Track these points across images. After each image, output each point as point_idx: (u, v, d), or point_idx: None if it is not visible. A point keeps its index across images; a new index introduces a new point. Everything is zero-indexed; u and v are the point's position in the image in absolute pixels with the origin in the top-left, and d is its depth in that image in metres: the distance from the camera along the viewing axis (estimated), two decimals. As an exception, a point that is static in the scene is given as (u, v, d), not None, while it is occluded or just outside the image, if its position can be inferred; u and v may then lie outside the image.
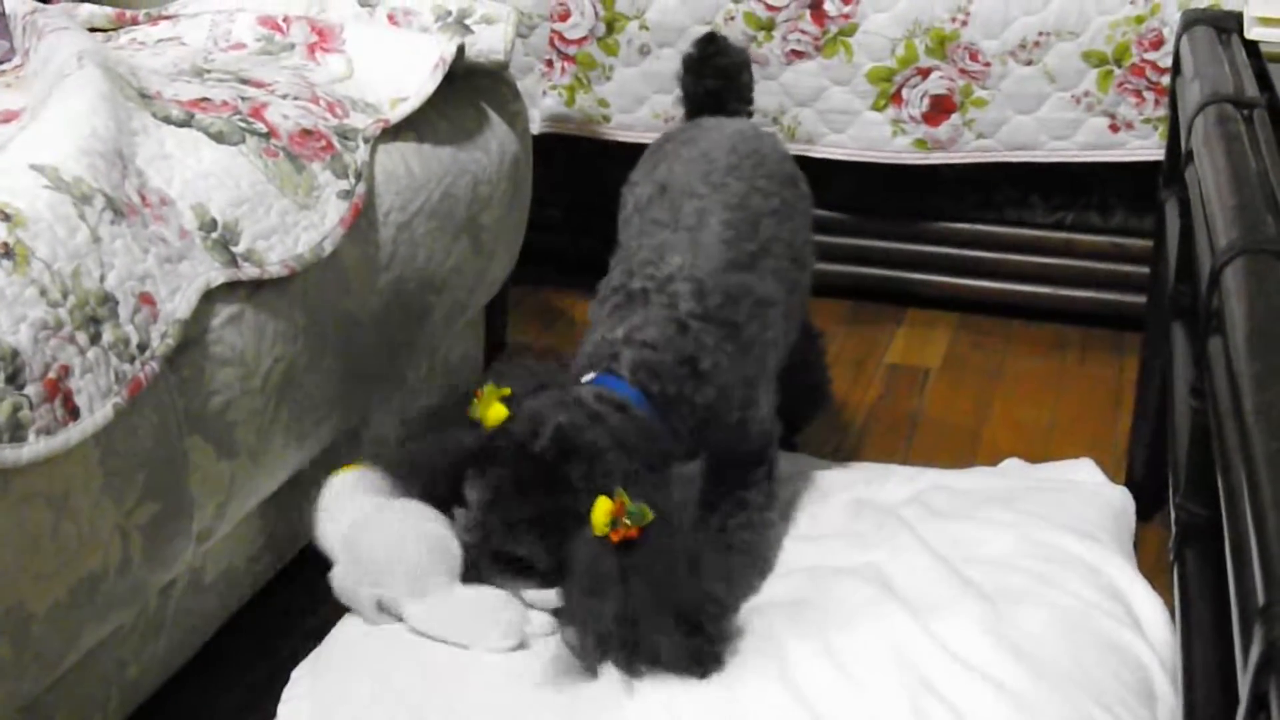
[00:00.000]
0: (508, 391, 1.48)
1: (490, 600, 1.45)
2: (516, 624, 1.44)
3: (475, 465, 1.43)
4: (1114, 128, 2.47)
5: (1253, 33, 1.82)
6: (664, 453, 1.48)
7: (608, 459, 1.42)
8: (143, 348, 1.35)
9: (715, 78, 1.93)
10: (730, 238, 1.64)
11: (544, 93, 2.69)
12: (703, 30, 2.55)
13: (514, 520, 1.41)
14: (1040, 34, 2.44)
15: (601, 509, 1.37)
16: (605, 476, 1.40)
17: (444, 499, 1.48)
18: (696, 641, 1.41)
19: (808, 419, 2.09)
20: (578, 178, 2.79)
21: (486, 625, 1.44)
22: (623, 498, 1.37)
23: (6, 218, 1.29)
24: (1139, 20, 2.40)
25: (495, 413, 1.45)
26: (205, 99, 1.65)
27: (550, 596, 1.45)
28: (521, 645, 1.44)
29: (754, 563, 1.64)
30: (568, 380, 1.53)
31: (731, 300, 1.59)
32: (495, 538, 1.43)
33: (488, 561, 1.45)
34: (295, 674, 1.51)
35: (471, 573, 1.46)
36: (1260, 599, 0.78)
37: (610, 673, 1.45)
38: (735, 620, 1.48)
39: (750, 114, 1.97)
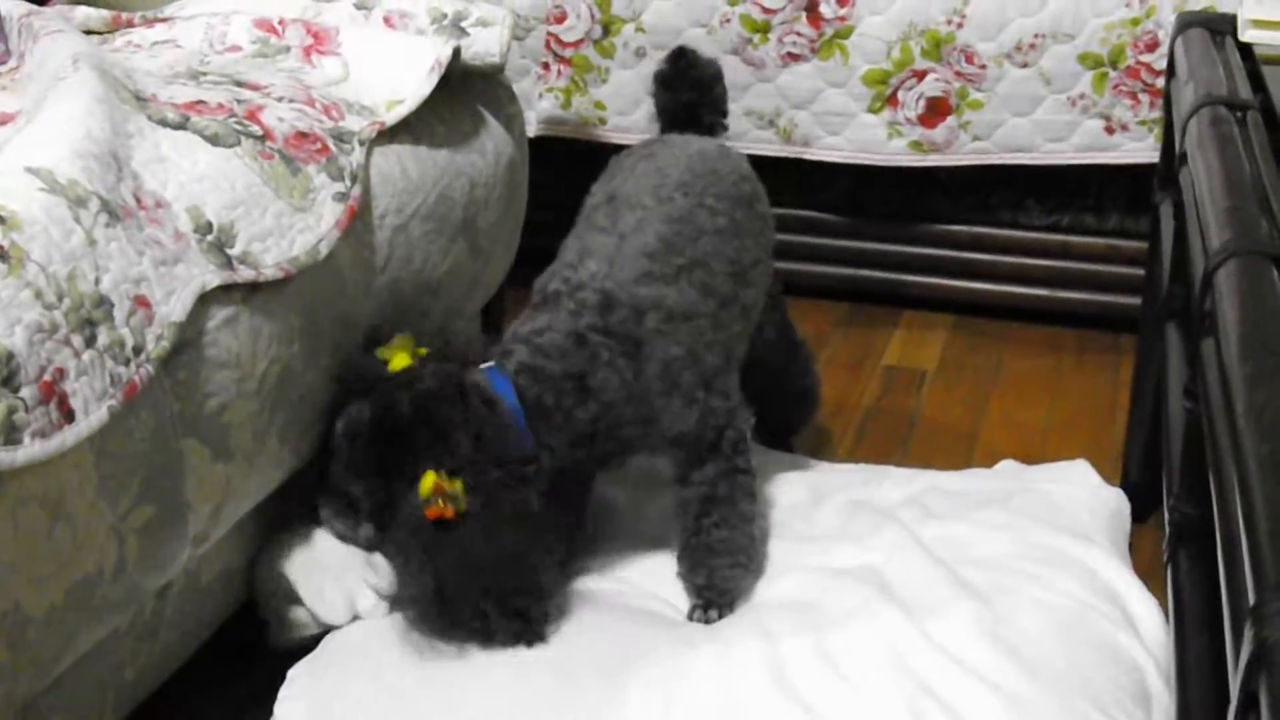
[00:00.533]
0: (422, 351, 1.61)
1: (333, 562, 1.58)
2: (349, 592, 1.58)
3: (353, 399, 1.57)
4: (1109, 130, 2.47)
5: (1247, 35, 1.83)
6: (521, 456, 1.54)
7: (454, 439, 1.50)
8: (138, 350, 1.35)
9: (688, 91, 1.93)
10: (657, 250, 1.65)
11: (540, 95, 2.69)
12: (699, 32, 2.57)
13: (358, 459, 1.55)
14: (1036, 36, 2.45)
15: (427, 481, 1.48)
16: (446, 455, 1.50)
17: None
18: (516, 624, 1.52)
19: (797, 424, 2.09)
20: (574, 180, 2.79)
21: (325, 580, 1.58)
22: (447, 480, 1.48)
23: (1, 220, 1.29)
24: (1134, 23, 2.41)
25: (398, 361, 1.58)
26: (201, 101, 1.65)
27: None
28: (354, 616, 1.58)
29: (737, 561, 1.64)
30: (471, 361, 1.61)
31: (636, 314, 1.60)
32: (338, 468, 1.57)
33: (325, 489, 1.60)
34: (291, 673, 1.52)
35: (313, 499, 1.63)
36: (1251, 598, 0.78)
37: (608, 674, 1.45)
38: (554, 605, 1.57)
39: (725, 125, 1.97)
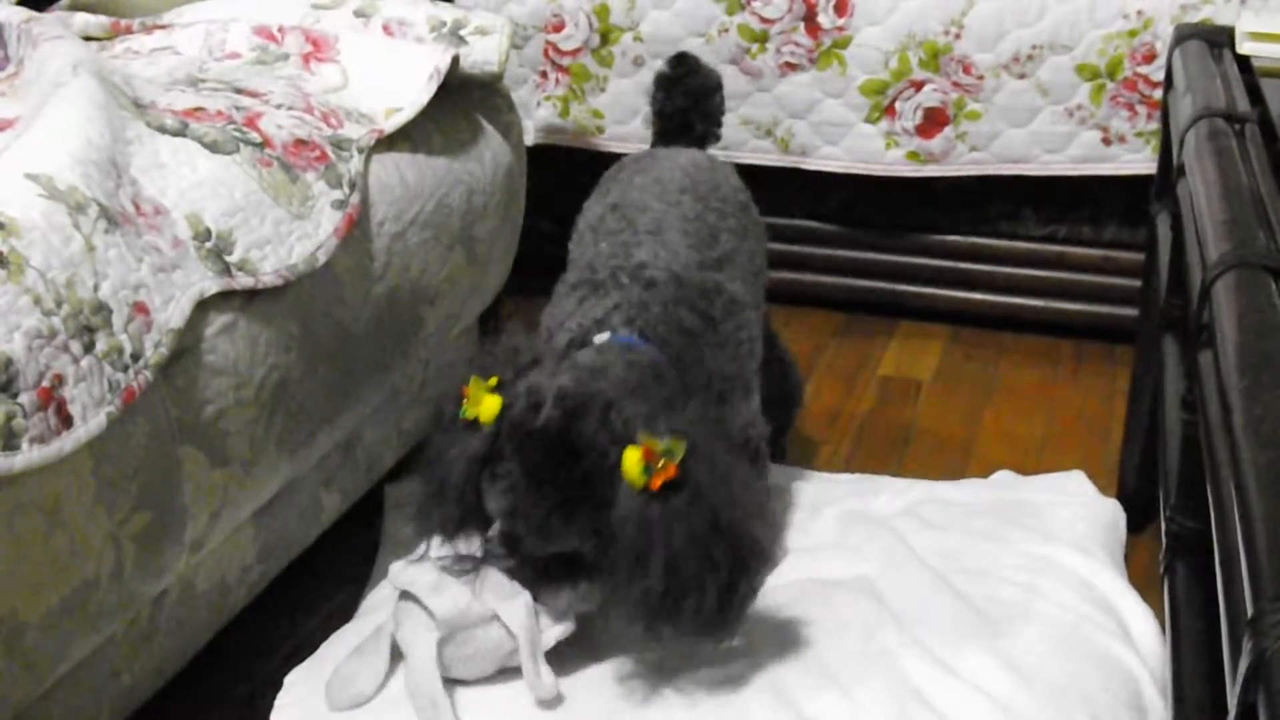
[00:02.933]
0: (495, 380, 1.38)
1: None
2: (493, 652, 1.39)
3: (485, 469, 1.34)
4: (1106, 141, 2.48)
5: (1244, 47, 1.83)
6: (679, 392, 1.40)
7: (622, 406, 1.32)
8: (136, 357, 1.35)
9: (686, 97, 1.92)
10: (694, 243, 1.62)
11: (538, 104, 2.70)
12: (697, 42, 2.57)
13: (539, 517, 1.31)
14: (1033, 47, 2.45)
15: (631, 460, 1.28)
16: (624, 425, 1.30)
17: (477, 514, 1.38)
18: (723, 612, 1.33)
19: (784, 423, 2.07)
20: (572, 189, 2.79)
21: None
22: (648, 440, 1.28)
23: (0, 226, 1.29)
24: (1132, 34, 2.41)
25: (489, 406, 1.35)
26: (200, 108, 1.66)
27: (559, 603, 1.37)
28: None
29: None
30: (553, 350, 1.46)
31: (707, 295, 1.54)
32: (528, 544, 1.34)
33: (529, 574, 1.37)
34: (288, 680, 1.51)
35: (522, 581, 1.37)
36: (1249, 610, 0.78)
37: (604, 682, 1.45)
38: (769, 569, 1.37)
39: (718, 136, 1.97)
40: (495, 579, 1.38)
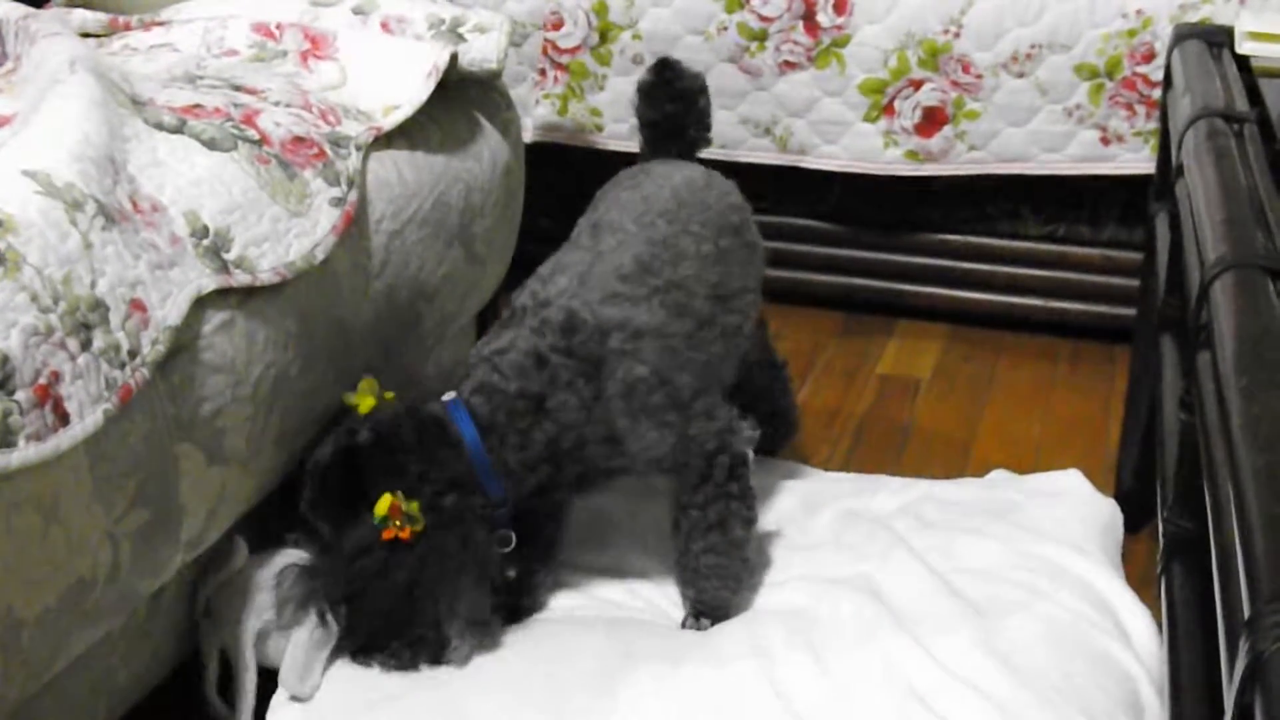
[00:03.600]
0: (389, 395, 1.64)
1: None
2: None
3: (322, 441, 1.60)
4: (1105, 141, 2.48)
5: (1243, 47, 1.83)
6: (475, 479, 1.56)
7: (408, 466, 1.54)
8: (133, 354, 1.35)
9: (672, 102, 1.91)
10: (631, 271, 1.62)
11: (536, 102, 2.70)
12: (696, 40, 2.57)
13: (322, 493, 1.57)
14: (1032, 46, 2.45)
15: (383, 503, 1.51)
16: (399, 481, 1.53)
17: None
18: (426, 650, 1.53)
19: (778, 444, 2.08)
20: (570, 187, 2.79)
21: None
22: (404, 501, 1.51)
23: (-2, 223, 1.29)
24: (1131, 34, 2.41)
25: (365, 404, 1.62)
26: (198, 105, 1.65)
27: None
28: None
29: (725, 585, 1.63)
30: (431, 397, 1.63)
31: (600, 334, 1.57)
32: (305, 504, 1.58)
33: (296, 524, 1.61)
34: (283, 677, 1.51)
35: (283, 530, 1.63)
36: (1246, 611, 0.78)
37: (600, 682, 1.45)
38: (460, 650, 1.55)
39: (708, 140, 1.95)
40: None
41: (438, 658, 1.52)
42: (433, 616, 1.52)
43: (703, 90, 1.94)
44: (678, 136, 1.91)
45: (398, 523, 1.50)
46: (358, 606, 1.51)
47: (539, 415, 1.55)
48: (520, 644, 1.53)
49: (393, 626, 1.52)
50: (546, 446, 1.56)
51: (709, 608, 1.63)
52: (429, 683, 1.47)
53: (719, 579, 1.63)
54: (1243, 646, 0.76)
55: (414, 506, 1.51)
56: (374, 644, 1.52)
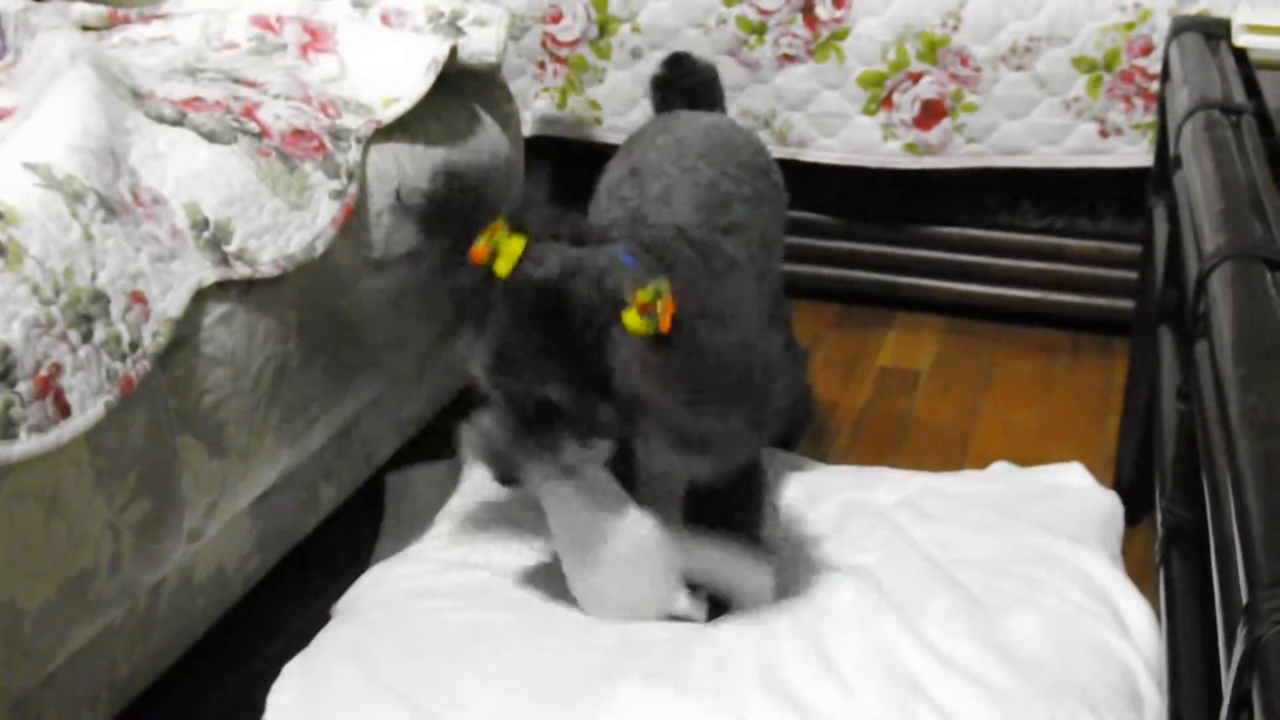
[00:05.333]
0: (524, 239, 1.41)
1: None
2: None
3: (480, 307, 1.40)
4: (1103, 133, 2.48)
5: (1241, 40, 1.83)
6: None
7: (613, 271, 1.37)
8: (134, 346, 1.35)
9: (685, 96, 1.93)
10: (701, 208, 1.62)
11: (536, 95, 2.70)
12: (695, 33, 2.57)
13: (525, 359, 1.36)
14: (1031, 39, 2.45)
15: (630, 316, 1.34)
16: (615, 287, 1.36)
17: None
18: (752, 433, 1.37)
19: (793, 434, 2.09)
20: (569, 180, 2.80)
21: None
22: (639, 294, 1.33)
23: (-1, 215, 1.29)
24: (1129, 27, 2.41)
25: (510, 251, 1.40)
26: (198, 98, 1.66)
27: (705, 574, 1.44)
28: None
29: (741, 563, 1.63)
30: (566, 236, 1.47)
31: (706, 250, 1.55)
32: (507, 384, 1.38)
33: (513, 424, 1.39)
34: (286, 669, 1.52)
35: (503, 456, 1.41)
36: (1244, 597, 0.79)
37: (601, 669, 1.45)
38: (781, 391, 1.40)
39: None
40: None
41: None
42: (762, 359, 1.38)
43: (714, 79, 1.97)
44: None
45: (658, 307, 1.33)
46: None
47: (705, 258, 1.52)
48: (523, 634, 1.54)
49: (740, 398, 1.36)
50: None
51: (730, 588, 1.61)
52: (426, 673, 1.47)
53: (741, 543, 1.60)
54: (1240, 632, 0.77)
55: (658, 287, 1.34)
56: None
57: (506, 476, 1.42)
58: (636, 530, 1.45)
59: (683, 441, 1.36)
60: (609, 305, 1.35)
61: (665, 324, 1.33)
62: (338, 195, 1.68)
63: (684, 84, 1.94)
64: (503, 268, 1.39)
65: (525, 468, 1.42)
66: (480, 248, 1.39)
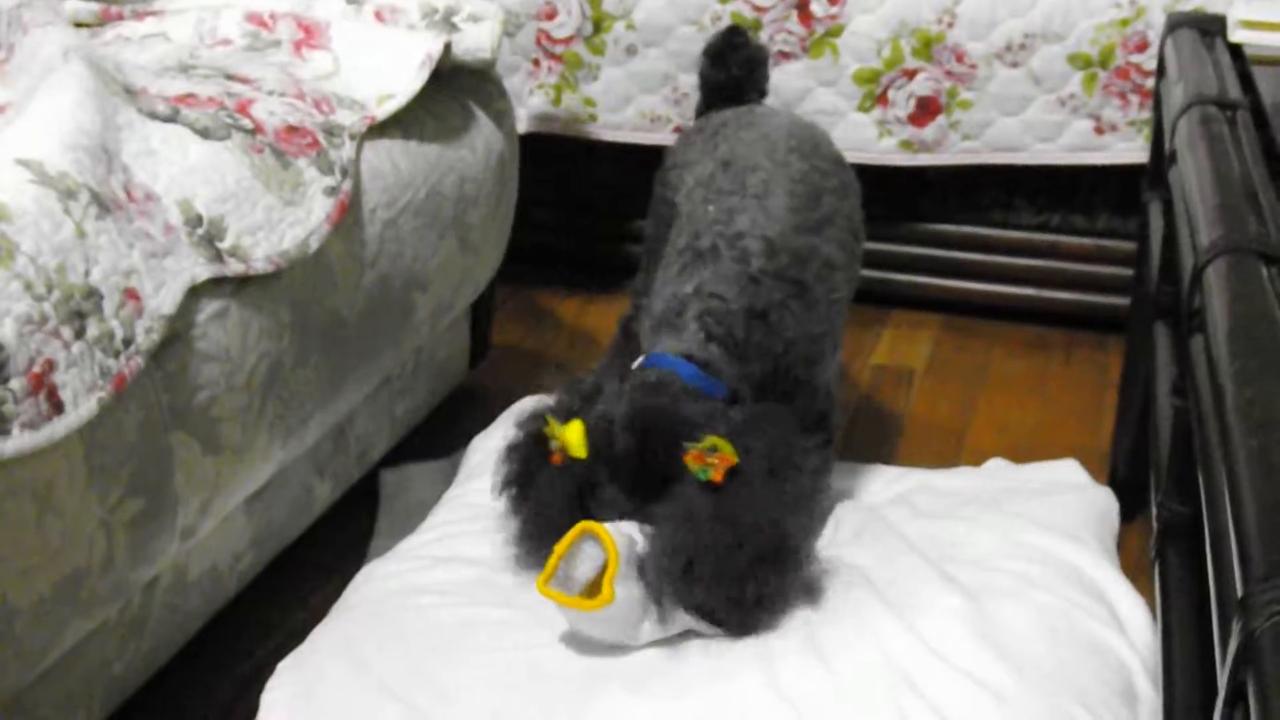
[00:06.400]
0: (578, 423, 1.55)
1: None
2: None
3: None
4: (1099, 130, 2.48)
5: (1236, 36, 1.83)
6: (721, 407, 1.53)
7: (681, 416, 1.49)
8: (128, 343, 1.35)
9: (736, 68, 1.98)
10: (796, 205, 1.68)
11: (530, 92, 2.69)
12: (690, 30, 2.57)
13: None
14: (1026, 36, 2.45)
15: (693, 457, 1.45)
16: (687, 430, 1.48)
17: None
18: (735, 603, 1.47)
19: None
20: (564, 177, 2.79)
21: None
22: (697, 446, 1.45)
23: (-9, 212, 1.29)
24: (1124, 23, 2.41)
25: (575, 438, 1.53)
26: (191, 95, 1.65)
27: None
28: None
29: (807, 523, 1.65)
30: (608, 382, 1.60)
31: (799, 260, 1.64)
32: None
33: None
34: (280, 667, 1.51)
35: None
36: (1239, 591, 0.78)
37: (596, 666, 1.45)
38: (808, 567, 1.55)
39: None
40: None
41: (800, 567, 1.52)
42: (785, 534, 1.50)
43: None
44: (734, 101, 1.97)
45: (715, 461, 1.45)
46: (722, 559, 1.45)
47: (767, 329, 1.59)
48: (515, 630, 1.54)
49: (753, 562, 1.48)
50: (775, 360, 1.61)
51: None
52: (419, 672, 1.47)
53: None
54: (1235, 626, 0.77)
55: (717, 442, 1.46)
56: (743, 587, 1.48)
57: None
58: (628, 592, 1.47)
59: (669, 577, 1.46)
60: (673, 454, 1.47)
61: (718, 477, 1.46)
62: (331, 192, 1.68)
63: (738, 56, 1.98)
64: (579, 452, 1.53)
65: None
66: (554, 454, 1.55)
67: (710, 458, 1.45)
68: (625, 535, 1.47)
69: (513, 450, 1.61)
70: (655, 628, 1.48)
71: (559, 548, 1.46)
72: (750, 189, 1.69)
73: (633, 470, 1.51)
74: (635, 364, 1.59)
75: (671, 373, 1.54)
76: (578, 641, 1.49)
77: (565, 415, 1.56)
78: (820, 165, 1.76)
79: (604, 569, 1.44)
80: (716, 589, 1.45)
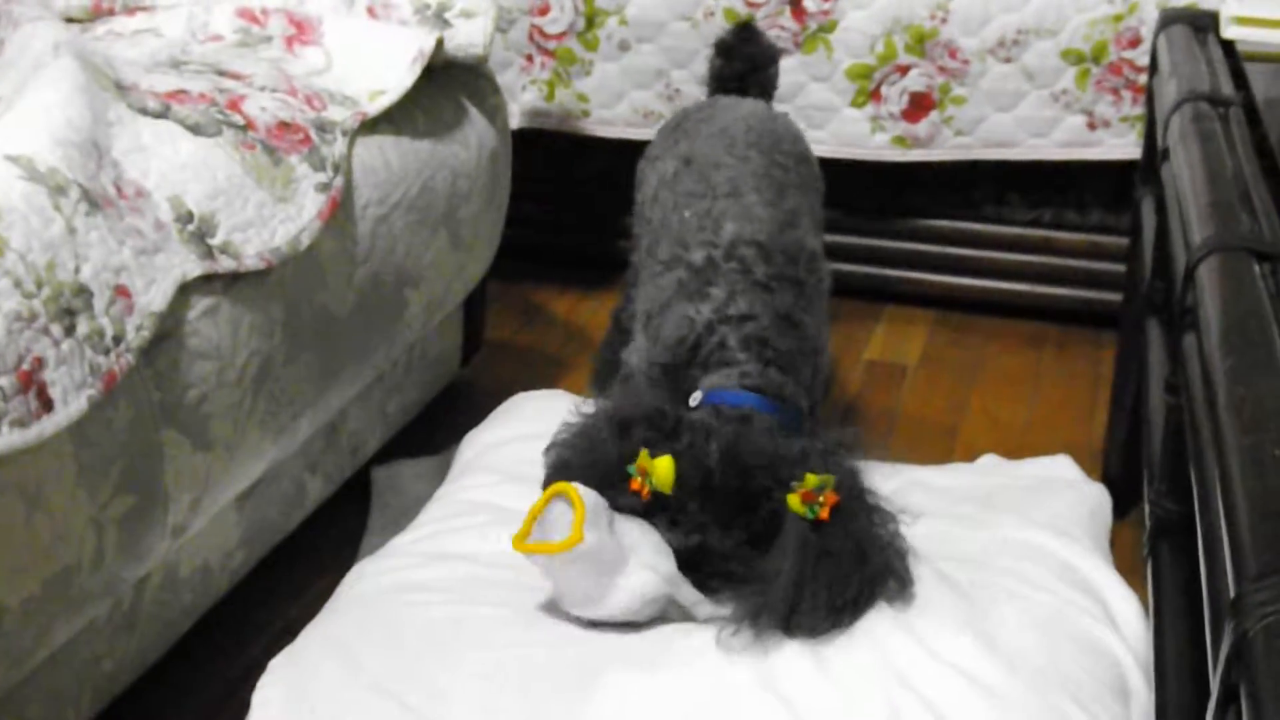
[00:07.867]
0: (667, 458, 1.50)
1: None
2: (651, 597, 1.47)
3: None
4: (1091, 126, 2.48)
5: (1229, 32, 1.83)
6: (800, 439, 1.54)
7: (777, 456, 1.48)
8: (118, 340, 1.34)
9: (745, 63, 1.99)
10: (769, 200, 1.68)
11: (523, 87, 2.69)
12: (683, 26, 2.56)
13: (729, 549, 1.49)
14: (1019, 32, 2.45)
15: (794, 502, 1.45)
16: (787, 471, 1.47)
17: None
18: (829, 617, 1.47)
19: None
20: (557, 173, 2.79)
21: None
22: (802, 485, 1.45)
23: (-20, 208, 1.28)
24: (1117, 19, 2.41)
25: (664, 473, 1.49)
26: (182, 91, 1.65)
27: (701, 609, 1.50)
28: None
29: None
30: (676, 414, 1.55)
31: (791, 259, 1.63)
32: (708, 569, 1.50)
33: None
34: (272, 664, 1.51)
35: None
36: (1231, 591, 0.78)
37: (590, 665, 1.45)
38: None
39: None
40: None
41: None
42: (889, 565, 1.51)
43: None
44: (742, 95, 1.97)
45: (820, 500, 1.46)
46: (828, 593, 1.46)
47: (797, 335, 1.59)
48: (508, 626, 1.53)
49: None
50: (811, 360, 1.61)
51: None
52: (412, 671, 1.47)
53: None
54: (1228, 626, 0.76)
55: (822, 479, 1.46)
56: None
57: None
58: (636, 585, 1.47)
59: (768, 605, 1.46)
60: (781, 489, 1.46)
61: (825, 515, 1.45)
62: (323, 188, 1.67)
63: (748, 52, 1.99)
64: (667, 488, 1.49)
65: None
66: (637, 483, 1.50)
67: (819, 496, 1.46)
68: (593, 494, 1.47)
69: (589, 469, 1.55)
70: (651, 606, 1.48)
71: (533, 509, 1.46)
72: (718, 189, 1.68)
73: (733, 507, 1.48)
74: (695, 398, 1.57)
75: (753, 410, 1.53)
76: (571, 638, 1.49)
77: (653, 449, 1.52)
78: (780, 160, 1.75)
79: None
80: (842, 616, 1.48)
